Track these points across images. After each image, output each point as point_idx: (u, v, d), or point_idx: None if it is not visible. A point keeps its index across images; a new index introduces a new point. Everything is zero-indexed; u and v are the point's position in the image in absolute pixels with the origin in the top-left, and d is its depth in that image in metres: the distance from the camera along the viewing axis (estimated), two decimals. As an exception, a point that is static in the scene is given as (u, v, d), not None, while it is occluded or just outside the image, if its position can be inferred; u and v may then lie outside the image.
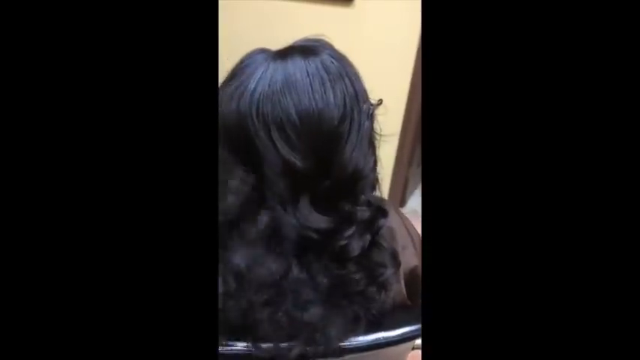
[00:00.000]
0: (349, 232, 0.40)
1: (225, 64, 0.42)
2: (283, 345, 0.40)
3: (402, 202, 1.93)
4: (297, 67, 0.39)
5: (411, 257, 0.51)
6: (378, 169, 0.46)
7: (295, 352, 0.41)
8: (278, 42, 0.45)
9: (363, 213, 0.42)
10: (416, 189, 2.06)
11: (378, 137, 0.45)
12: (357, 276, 0.42)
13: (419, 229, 0.59)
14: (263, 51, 0.42)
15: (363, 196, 0.42)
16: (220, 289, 0.40)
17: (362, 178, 0.41)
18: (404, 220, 0.57)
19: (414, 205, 1.98)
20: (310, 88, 0.38)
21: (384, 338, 0.43)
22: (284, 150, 0.38)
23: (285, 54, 0.40)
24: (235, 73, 0.41)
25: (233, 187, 0.39)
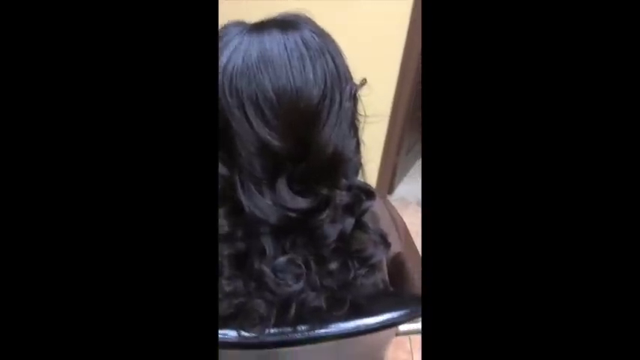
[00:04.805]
0: (323, 215, 0.39)
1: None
2: (266, 331, 0.39)
3: (391, 190, 1.93)
4: (274, 41, 0.36)
5: (394, 243, 0.50)
6: (362, 152, 0.44)
7: (276, 338, 0.40)
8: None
9: (342, 197, 0.40)
10: (405, 176, 2.06)
11: (361, 119, 0.43)
12: (341, 260, 0.41)
13: (408, 217, 0.59)
14: (239, 24, 0.40)
15: (344, 180, 0.41)
16: None
17: (342, 161, 0.40)
18: (387, 205, 0.56)
19: (402, 193, 1.98)
20: (288, 64, 0.36)
21: (364, 325, 0.42)
22: (260, 128, 0.36)
23: (261, 27, 0.38)
24: None
25: None
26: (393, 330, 0.51)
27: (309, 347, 0.42)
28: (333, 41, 0.40)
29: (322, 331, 0.41)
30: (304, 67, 0.36)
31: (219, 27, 0.40)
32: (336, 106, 0.38)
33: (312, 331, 0.40)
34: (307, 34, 0.38)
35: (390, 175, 1.83)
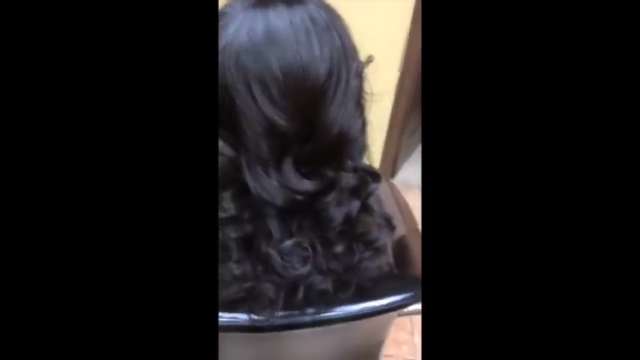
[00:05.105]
0: (329, 198, 0.38)
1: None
2: (275, 314, 0.39)
3: (393, 173, 1.92)
4: (279, 16, 0.35)
5: (398, 227, 0.50)
6: (368, 133, 0.43)
7: (285, 320, 0.40)
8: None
9: (348, 180, 0.39)
10: (407, 159, 2.05)
11: (367, 98, 0.41)
12: (347, 243, 0.41)
13: (411, 201, 0.58)
14: None
15: (349, 162, 0.40)
16: None
17: (348, 142, 0.39)
18: (392, 188, 0.55)
19: (405, 176, 1.97)
20: (294, 40, 0.34)
21: (370, 308, 0.42)
22: (266, 107, 0.35)
23: (266, 2, 0.36)
24: None
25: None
26: (396, 312, 0.51)
27: (317, 330, 0.42)
28: (339, 17, 0.38)
29: (329, 313, 0.41)
30: (311, 43, 0.35)
31: (222, 3, 0.38)
32: (343, 84, 0.37)
33: (319, 314, 0.40)
34: (313, 9, 0.36)
35: (393, 158, 1.81)
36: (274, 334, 0.43)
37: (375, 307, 0.42)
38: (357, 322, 0.43)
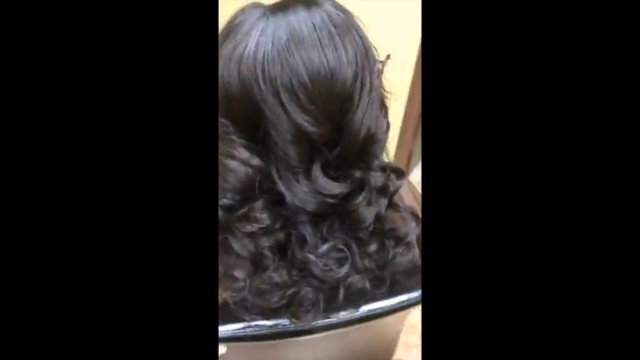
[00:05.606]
0: (359, 199, 0.38)
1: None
2: (315, 317, 0.40)
3: (407, 171, 1.92)
4: (300, 19, 0.34)
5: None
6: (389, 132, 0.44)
7: (326, 322, 0.41)
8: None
9: (376, 179, 0.39)
10: (420, 160, 2.04)
11: (388, 97, 0.42)
12: (379, 241, 0.41)
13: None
14: (257, 5, 0.37)
15: (376, 161, 0.40)
16: (241, 274, 0.39)
17: (374, 142, 0.39)
18: (409, 185, 0.56)
19: (417, 177, 1.97)
20: (319, 43, 0.34)
21: (405, 300, 0.42)
22: (296, 114, 0.34)
23: (284, 5, 0.36)
24: (229, 33, 0.36)
25: (233, 167, 0.36)
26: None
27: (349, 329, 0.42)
28: (355, 16, 0.38)
29: (367, 309, 0.41)
30: (335, 46, 0.34)
31: (235, 11, 0.38)
32: (368, 85, 0.37)
33: (357, 312, 0.41)
34: (331, 9, 0.36)
35: (407, 158, 1.81)
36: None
37: (411, 299, 0.43)
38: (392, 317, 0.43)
